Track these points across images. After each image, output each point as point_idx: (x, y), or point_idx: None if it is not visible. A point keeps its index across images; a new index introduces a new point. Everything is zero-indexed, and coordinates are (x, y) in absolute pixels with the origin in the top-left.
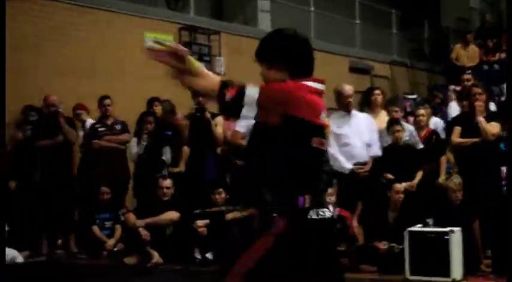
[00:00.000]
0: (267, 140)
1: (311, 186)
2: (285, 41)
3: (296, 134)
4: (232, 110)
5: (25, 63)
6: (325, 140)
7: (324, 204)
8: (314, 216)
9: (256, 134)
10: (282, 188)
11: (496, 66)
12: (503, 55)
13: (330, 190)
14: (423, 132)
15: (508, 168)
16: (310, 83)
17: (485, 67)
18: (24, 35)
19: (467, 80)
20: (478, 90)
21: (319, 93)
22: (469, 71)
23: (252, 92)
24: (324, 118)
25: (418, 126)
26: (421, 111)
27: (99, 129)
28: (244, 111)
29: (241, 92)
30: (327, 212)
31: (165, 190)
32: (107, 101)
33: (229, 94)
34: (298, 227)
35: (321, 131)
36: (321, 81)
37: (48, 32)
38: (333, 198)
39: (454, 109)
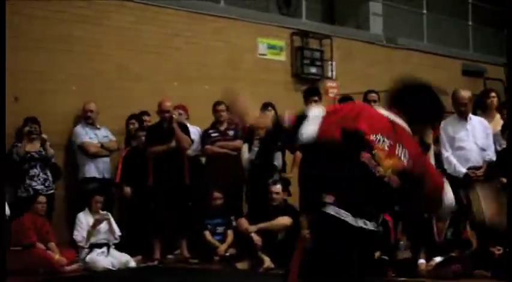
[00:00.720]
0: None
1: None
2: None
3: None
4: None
5: (145, 69)
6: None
7: (366, 217)
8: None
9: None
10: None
11: None
12: None
13: None
14: None
15: (508, 167)
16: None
17: None
18: (145, 42)
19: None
20: None
21: (390, 121)
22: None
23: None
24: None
25: None
26: None
27: (212, 134)
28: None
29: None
30: (369, 224)
31: (274, 195)
32: (221, 107)
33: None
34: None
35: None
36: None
37: (168, 39)
38: None
39: None
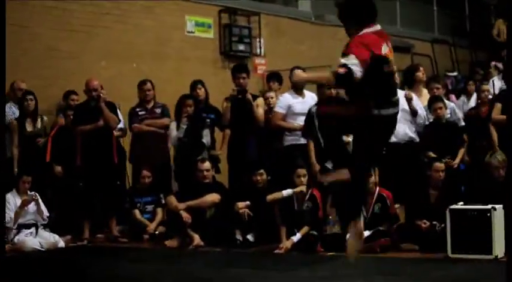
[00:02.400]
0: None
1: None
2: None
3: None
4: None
5: (73, 48)
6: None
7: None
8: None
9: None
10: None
11: None
12: None
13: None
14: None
15: (508, 167)
16: (368, 30)
17: None
18: (74, 21)
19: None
20: None
21: (377, 32)
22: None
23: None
24: (385, 49)
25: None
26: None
27: (139, 113)
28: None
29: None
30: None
31: (205, 173)
32: (147, 86)
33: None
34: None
35: (386, 60)
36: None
37: (97, 18)
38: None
39: (495, 86)
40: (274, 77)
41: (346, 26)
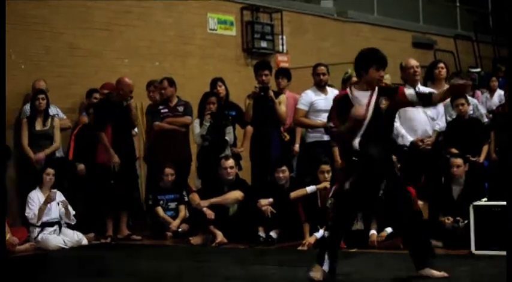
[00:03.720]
0: None
1: None
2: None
3: None
4: None
5: (95, 46)
6: None
7: None
8: None
9: None
10: None
11: None
12: None
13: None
14: None
15: (507, 167)
16: None
17: None
18: (96, 19)
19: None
20: None
21: None
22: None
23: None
24: None
25: None
26: None
27: (162, 110)
28: None
29: None
30: None
31: (228, 170)
32: (164, 84)
33: None
34: None
35: None
36: None
37: (119, 17)
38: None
39: None
40: (282, 73)
41: None
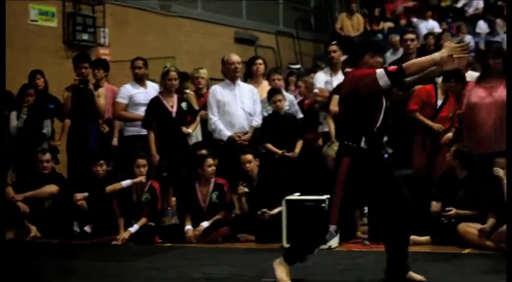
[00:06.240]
0: None
1: None
2: None
3: None
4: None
5: None
6: None
7: None
8: None
9: None
10: None
11: (380, 36)
12: (387, 24)
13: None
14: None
15: (507, 166)
16: None
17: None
18: None
19: (333, 51)
20: None
21: None
22: (334, 42)
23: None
24: None
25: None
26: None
27: None
28: None
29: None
30: None
31: (45, 164)
32: None
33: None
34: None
35: None
36: None
37: None
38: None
39: (319, 79)
40: (98, 63)
41: None
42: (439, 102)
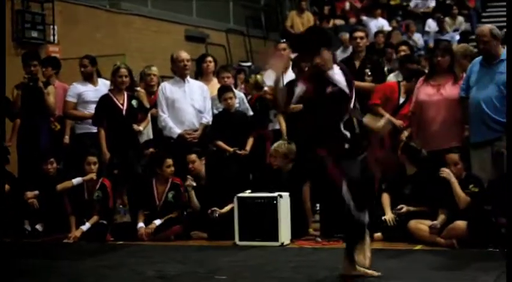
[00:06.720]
0: None
1: None
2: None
3: None
4: None
5: None
6: None
7: None
8: None
9: None
10: None
11: None
12: (337, 22)
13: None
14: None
15: (507, 165)
16: None
17: None
18: None
19: (283, 49)
20: None
21: None
22: (283, 40)
23: None
24: None
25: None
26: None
27: None
28: None
29: None
30: None
31: None
32: None
33: None
34: None
35: None
36: None
37: None
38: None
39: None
40: (48, 61)
41: None
42: (401, 100)
